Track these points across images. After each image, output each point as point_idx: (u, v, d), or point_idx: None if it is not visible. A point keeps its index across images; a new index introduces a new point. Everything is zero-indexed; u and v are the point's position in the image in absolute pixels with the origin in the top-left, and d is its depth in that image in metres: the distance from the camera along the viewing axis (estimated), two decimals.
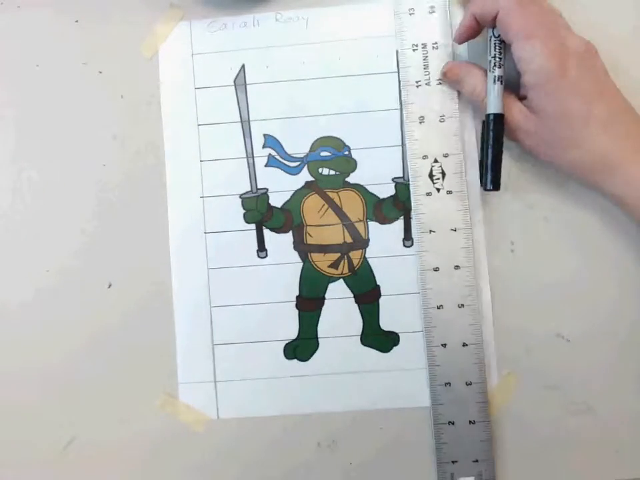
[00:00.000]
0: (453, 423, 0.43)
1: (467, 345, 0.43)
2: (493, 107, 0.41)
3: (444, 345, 0.43)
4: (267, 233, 0.45)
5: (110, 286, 0.45)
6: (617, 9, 0.44)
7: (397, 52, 0.45)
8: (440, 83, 0.44)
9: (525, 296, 0.44)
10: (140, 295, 0.45)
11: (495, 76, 0.41)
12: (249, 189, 0.45)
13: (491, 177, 0.41)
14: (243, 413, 0.45)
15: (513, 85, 0.42)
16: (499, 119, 0.41)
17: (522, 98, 0.41)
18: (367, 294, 0.45)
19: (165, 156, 0.45)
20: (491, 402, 0.43)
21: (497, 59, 0.41)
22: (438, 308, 0.43)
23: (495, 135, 0.41)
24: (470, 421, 0.43)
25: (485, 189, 0.42)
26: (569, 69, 0.39)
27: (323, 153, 0.45)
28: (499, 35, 0.41)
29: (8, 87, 0.46)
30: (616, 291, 0.44)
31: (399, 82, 0.45)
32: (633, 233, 0.43)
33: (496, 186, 0.41)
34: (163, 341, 0.45)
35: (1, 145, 0.46)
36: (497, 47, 0.41)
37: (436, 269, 0.43)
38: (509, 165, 0.44)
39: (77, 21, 0.46)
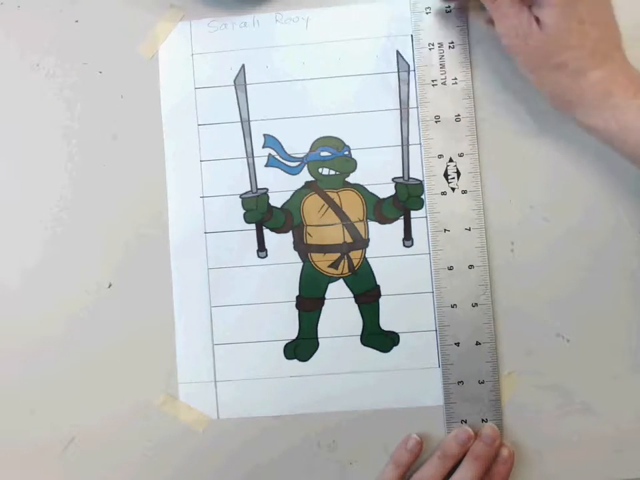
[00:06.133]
0: (465, 421, 0.43)
1: (480, 343, 0.43)
2: None
3: (457, 344, 0.43)
4: (267, 232, 0.45)
5: (110, 286, 0.45)
6: (617, 5, 0.44)
7: (397, 52, 0.45)
8: (455, 83, 0.44)
9: (525, 296, 0.44)
10: (140, 294, 0.45)
11: None
12: (249, 189, 0.45)
13: None
14: (243, 413, 0.45)
15: None
16: None
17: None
18: (367, 294, 0.45)
19: (165, 156, 0.45)
20: None
21: None
22: (452, 307, 0.43)
23: None
24: (483, 419, 0.43)
25: None
26: None
27: (323, 153, 0.45)
28: None
29: (8, 86, 0.46)
30: (616, 291, 0.44)
31: (399, 82, 0.45)
32: (633, 234, 0.43)
33: None
34: (163, 341, 0.45)
35: (0, 145, 0.46)
36: None
37: (450, 268, 0.44)
38: (510, 165, 0.44)
39: (77, 21, 0.46)
